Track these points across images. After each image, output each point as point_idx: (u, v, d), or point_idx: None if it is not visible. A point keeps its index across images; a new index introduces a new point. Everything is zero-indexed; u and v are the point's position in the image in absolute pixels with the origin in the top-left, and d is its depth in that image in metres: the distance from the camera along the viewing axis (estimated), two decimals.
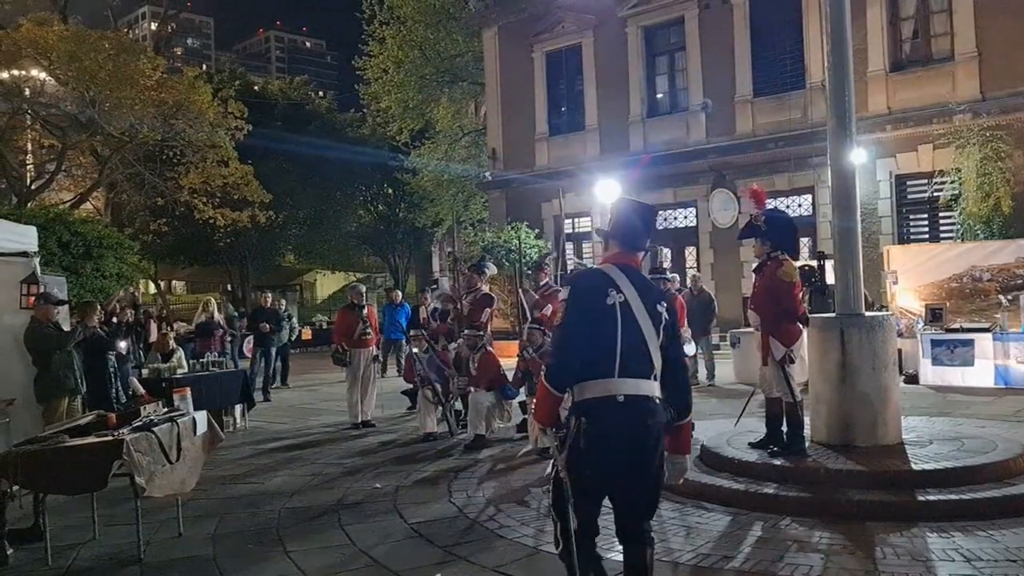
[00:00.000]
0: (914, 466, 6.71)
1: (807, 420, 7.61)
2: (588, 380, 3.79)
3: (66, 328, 9.16)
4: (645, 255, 4.19)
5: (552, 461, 3.94)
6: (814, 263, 10.23)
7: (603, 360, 3.76)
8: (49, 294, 8.83)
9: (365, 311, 11.87)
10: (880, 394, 7.30)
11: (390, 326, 16.75)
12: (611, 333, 3.78)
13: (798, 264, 7.85)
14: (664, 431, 3.85)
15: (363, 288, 12.73)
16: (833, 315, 7.70)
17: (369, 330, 11.78)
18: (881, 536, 5.64)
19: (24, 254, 9.24)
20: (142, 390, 10.07)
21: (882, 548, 5.42)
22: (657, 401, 3.80)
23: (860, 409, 7.26)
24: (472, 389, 10.17)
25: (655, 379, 3.82)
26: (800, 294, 7.39)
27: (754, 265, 7.69)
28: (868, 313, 7.84)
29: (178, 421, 6.43)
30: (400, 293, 19.92)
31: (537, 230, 23.33)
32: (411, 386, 11.96)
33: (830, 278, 10.51)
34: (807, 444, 7.35)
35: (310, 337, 29.16)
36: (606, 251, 4.18)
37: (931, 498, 6.18)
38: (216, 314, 14.60)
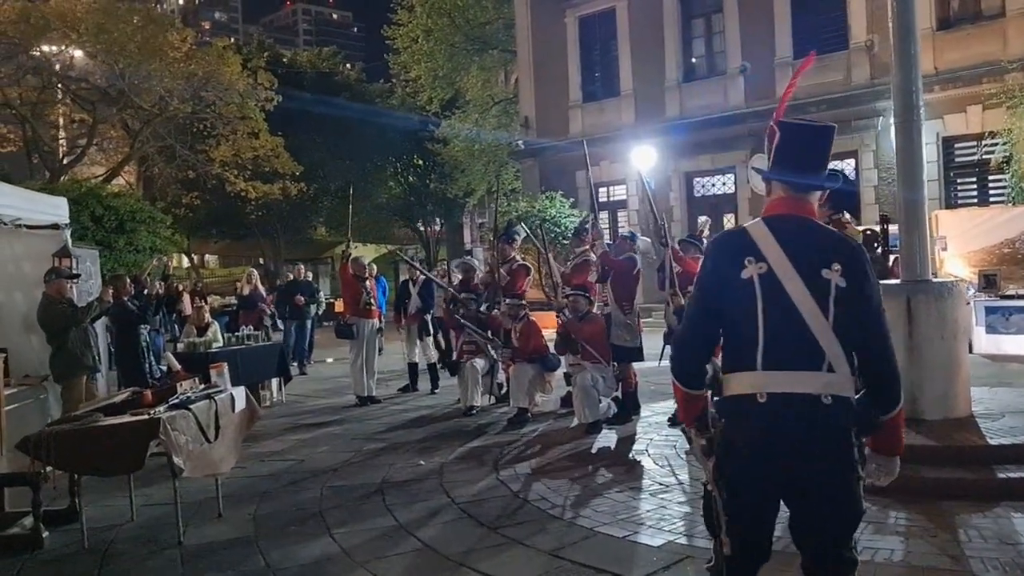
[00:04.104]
0: (990, 441, 6.32)
1: None
2: (731, 372, 2.97)
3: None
4: (824, 196, 3.13)
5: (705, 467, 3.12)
6: (877, 227, 9.76)
7: (744, 349, 2.91)
8: (61, 269, 8.49)
9: (368, 283, 11.72)
10: (950, 364, 6.90)
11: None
12: (749, 314, 2.89)
13: (860, 228, 7.44)
14: (864, 430, 2.94)
15: (366, 260, 12.45)
16: (898, 282, 7.31)
17: (371, 301, 11.64)
18: (962, 516, 5.29)
19: (55, 226, 9.04)
20: (178, 365, 9.86)
21: (965, 530, 5.08)
22: (830, 399, 2.81)
23: (929, 380, 6.84)
24: (513, 361, 9.90)
25: (831, 370, 2.84)
26: None
27: None
28: (936, 279, 7.44)
29: (216, 398, 6.18)
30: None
31: (572, 199, 22.95)
32: (447, 358, 11.69)
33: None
34: None
35: (342, 310, 28.94)
36: (768, 197, 3.16)
37: (1012, 475, 5.82)
38: (259, 287, 14.43)
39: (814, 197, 3.12)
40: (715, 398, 3.06)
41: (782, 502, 2.98)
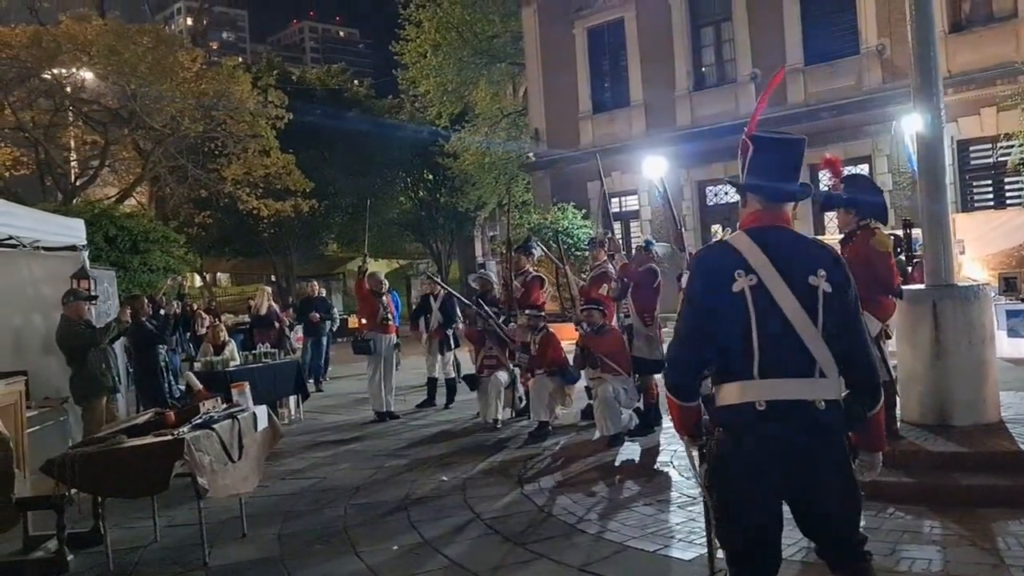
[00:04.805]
0: (1022, 446, 6.22)
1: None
2: (724, 383, 3.02)
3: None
4: (796, 206, 3.26)
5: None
6: (900, 232, 9.64)
7: (739, 359, 2.96)
8: (79, 290, 8.51)
9: (384, 298, 11.73)
10: (978, 369, 6.79)
11: None
12: (743, 326, 2.95)
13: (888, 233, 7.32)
14: (850, 427, 3.08)
15: (382, 275, 12.43)
16: (923, 287, 7.22)
17: (389, 316, 11.66)
18: (999, 524, 5.19)
19: (73, 248, 9.04)
20: (199, 385, 9.81)
21: (1003, 538, 4.97)
22: (823, 404, 2.91)
23: (957, 386, 6.75)
24: (531, 374, 9.84)
25: (823, 375, 2.94)
26: (895, 265, 6.88)
27: (840, 236, 7.17)
28: (962, 284, 7.34)
29: (238, 417, 6.14)
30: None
31: (584, 210, 22.89)
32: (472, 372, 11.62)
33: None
34: (898, 424, 6.90)
35: (358, 325, 28.89)
36: (743, 210, 3.24)
37: None
38: (274, 304, 14.41)
39: (789, 206, 3.21)
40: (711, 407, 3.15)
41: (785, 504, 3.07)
